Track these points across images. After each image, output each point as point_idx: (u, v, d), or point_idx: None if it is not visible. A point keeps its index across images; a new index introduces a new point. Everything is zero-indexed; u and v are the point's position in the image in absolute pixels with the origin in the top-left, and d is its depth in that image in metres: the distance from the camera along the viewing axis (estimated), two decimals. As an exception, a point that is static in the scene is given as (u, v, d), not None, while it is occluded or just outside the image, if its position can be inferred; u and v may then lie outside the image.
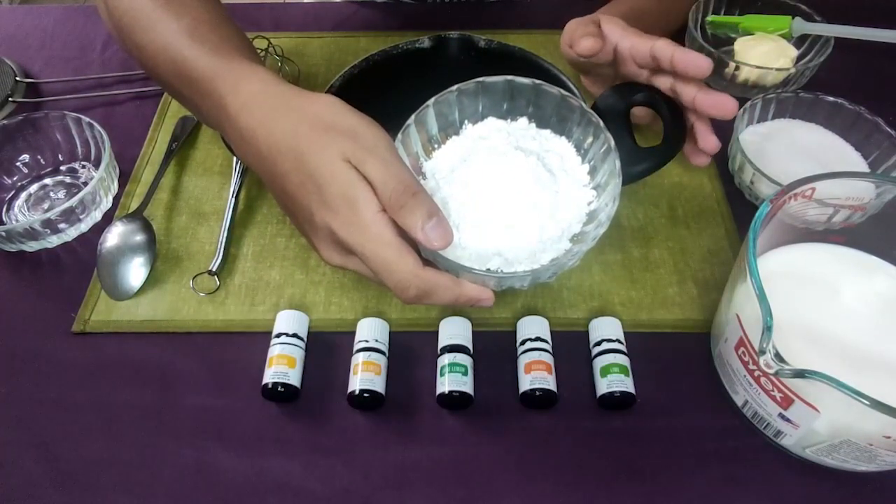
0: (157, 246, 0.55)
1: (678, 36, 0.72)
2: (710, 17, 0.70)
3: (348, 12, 0.78)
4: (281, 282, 0.54)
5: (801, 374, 0.36)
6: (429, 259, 0.42)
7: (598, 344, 0.48)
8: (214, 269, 0.54)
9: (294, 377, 0.47)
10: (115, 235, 0.55)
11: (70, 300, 0.53)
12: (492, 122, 0.48)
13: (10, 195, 0.60)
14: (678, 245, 0.56)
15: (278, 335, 0.48)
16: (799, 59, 0.68)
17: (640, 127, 0.54)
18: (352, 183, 0.39)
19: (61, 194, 0.60)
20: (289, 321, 0.49)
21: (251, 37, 0.72)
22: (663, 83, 0.50)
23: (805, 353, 0.42)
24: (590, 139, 0.47)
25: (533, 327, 0.49)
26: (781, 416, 0.42)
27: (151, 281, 0.54)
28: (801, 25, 0.67)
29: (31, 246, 0.56)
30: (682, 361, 0.49)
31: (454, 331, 0.48)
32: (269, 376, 0.46)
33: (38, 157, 0.61)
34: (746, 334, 0.42)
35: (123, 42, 0.52)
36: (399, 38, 0.61)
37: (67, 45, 0.74)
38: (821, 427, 0.40)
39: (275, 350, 0.48)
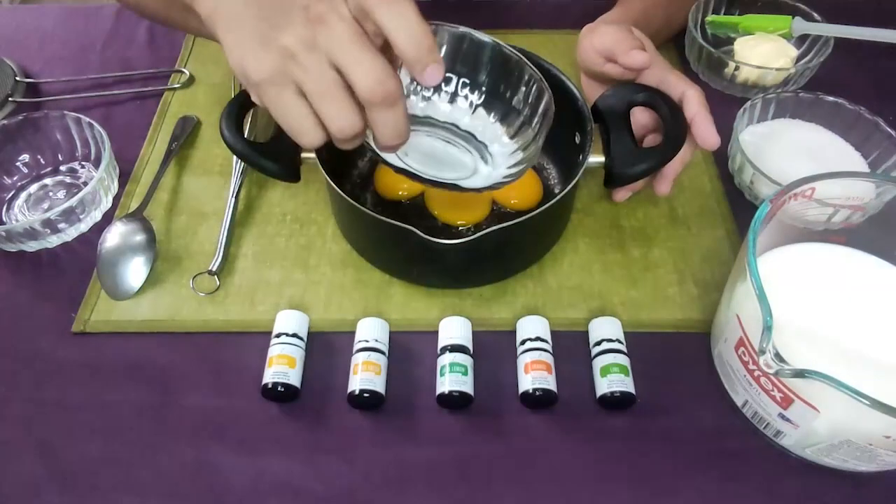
0: (157, 246, 0.55)
1: (678, 36, 0.72)
2: (710, 17, 0.70)
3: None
4: (281, 282, 0.54)
5: (801, 374, 0.36)
6: None
7: (598, 344, 0.48)
8: (214, 269, 0.54)
9: (294, 377, 0.47)
10: (115, 235, 0.55)
11: (70, 300, 0.53)
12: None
13: (10, 195, 0.60)
14: (678, 245, 0.56)
15: (278, 335, 0.48)
16: (799, 59, 0.68)
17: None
18: None
19: (61, 194, 0.60)
20: (289, 321, 0.49)
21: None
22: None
23: (805, 353, 0.42)
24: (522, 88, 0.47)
25: (533, 327, 0.49)
26: (781, 416, 0.42)
27: (151, 281, 0.54)
28: (801, 25, 0.67)
29: (31, 246, 0.56)
30: (682, 361, 0.50)
31: (454, 331, 0.48)
32: (269, 376, 0.46)
33: (38, 157, 0.61)
34: (746, 334, 0.42)
35: None
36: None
37: (67, 45, 0.74)
38: (821, 427, 0.40)
39: (275, 350, 0.48)
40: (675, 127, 0.50)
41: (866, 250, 0.48)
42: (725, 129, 0.61)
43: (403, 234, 0.45)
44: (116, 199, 0.59)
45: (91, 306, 0.52)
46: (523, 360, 0.47)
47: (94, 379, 0.49)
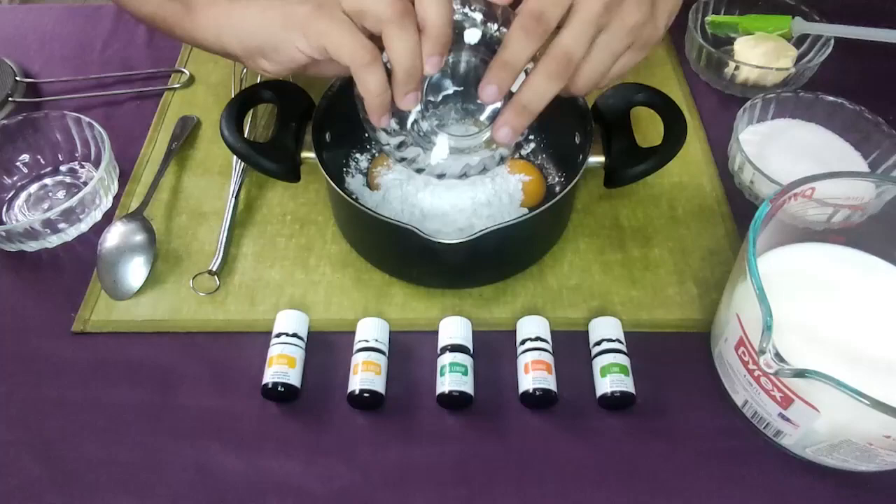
0: (157, 246, 0.55)
1: (678, 35, 0.72)
2: (710, 17, 0.70)
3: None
4: (281, 282, 0.54)
5: (801, 373, 0.36)
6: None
7: (598, 344, 0.48)
8: (214, 269, 0.54)
9: (294, 377, 0.47)
10: (115, 235, 0.55)
11: (70, 300, 0.53)
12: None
13: (10, 195, 0.60)
14: (678, 245, 0.56)
15: (278, 335, 0.48)
16: (799, 59, 0.68)
17: (640, 127, 0.54)
18: None
19: (61, 194, 0.60)
20: (289, 321, 0.49)
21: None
22: None
23: (805, 353, 0.42)
24: None
25: (533, 327, 0.49)
26: (781, 416, 0.42)
27: (151, 281, 0.54)
28: (801, 25, 0.67)
29: (31, 246, 0.56)
30: (682, 361, 0.50)
31: (454, 331, 0.48)
32: (269, 376, 0.46)
33: (38, 157, 0.61)
34: (746, 334, 0.42)
35: None
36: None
37: (67, 45, 0.74)
38: (821, 427, 0.40)
39: (275, 350, 0.48)
40: (675, 127, 0.50)
41: (866, 250, 0.48)
42: (725, 129, 0.61)
43: (403, 234, 0.45)
44: (116, 199, 0.59)
45: (91, 306, 0.52)
46: (523, 360, 0.47)
47: (94, 379, 0.49)
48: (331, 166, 0.51)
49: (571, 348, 0.49)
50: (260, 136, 0.63)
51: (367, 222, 0.50)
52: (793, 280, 0.47)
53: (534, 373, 0.46)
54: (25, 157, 0.61)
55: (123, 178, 0.61)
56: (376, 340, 0.48)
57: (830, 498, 0.43)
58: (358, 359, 0.47)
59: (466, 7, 0.43)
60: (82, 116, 0.60)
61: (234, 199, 0.58)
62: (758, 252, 0.42)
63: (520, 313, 0.51)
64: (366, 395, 0.46)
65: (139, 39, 0.75)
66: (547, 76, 0.40)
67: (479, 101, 0.43)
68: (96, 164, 0.60)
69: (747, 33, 0.69)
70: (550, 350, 0.48)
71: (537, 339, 0.48)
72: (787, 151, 0.59)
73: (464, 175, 0.46)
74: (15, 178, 0.61)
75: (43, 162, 0.62)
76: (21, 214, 0.59)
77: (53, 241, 0.56)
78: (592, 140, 0.50)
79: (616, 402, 0.46)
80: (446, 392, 0.46)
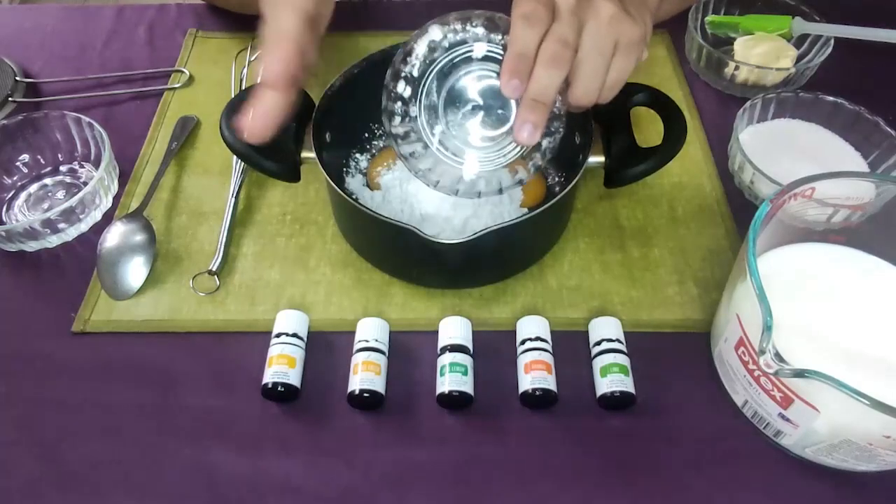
0: (157, 246, 0.55)
1: (678, 35, 0.72)
2: (710, 17, 0.70)
3: (347, 12, 0.78)
4: (281, 282, 0.54)
5: (801, 373, 0.36)
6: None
7: (598, 344, 0.48)
8: (214, 269, 0.54)
9: (294, 377, 0.47)
10: (115, 235, 0.55)
11: (70, 300, 0.53)
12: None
13: (10, 195, 0.60)
14: (678, 245, 0.56)
15: (278, 335, 0.48)
16: (799, 59, 0.68)
17: (640, 127, 0.54)
18: None
19: (61, 194, 0.60)
20: (289, 321, 0.49)
21: (250, 40, 0.72)
22: None
23: (805, 353, 0.42)
24: None
25: (533, 327, 0.49)
26: (781, 416, 0.42)
27: (151, 281, 0.54)
28: (801, 25, 0.67)
29: (31, 246, 0.56)
30: (682, 361, 0.50)
31: (454, 331, 0.48)
32: (269, 376, 0.46)
33: (38, 157, 0.61)
34: (746, 334, 0.42)
35: None
36: (399, 38, 0.61)
37: (67, 45, 0.74)
38: (821, 427, 0.40)
39: (275, 350, 0.48)
40: (675, 127, 0.50)
41: (866, 250, 0.48)
42: (725, 129, 0.61)
43: (403, 234, 0.45)
44: (116, 199, 0.59)
45: (91, 306, 0.52)
46: (523, 360, 0.47)
47: (94, 379, 0.49)
48: (331, 166, 0.51)
49: (571, 348, 0.49)
50: (260, 136, 0.63)
51: (367, 222, 0.50)
52: (793, 280, 0.47)
53: (533, 373, 0.46)
54: (25, 157, 0.61)
55: (123, 178, 0.61)
56: (376, 340, 0.48)
57: (830, 498, 0.44)
58: (358, 359, 0.47)
59: (468, 24, 0.43)
60: (82, 116, 0.60)
61: (234, 199, 0.58)
62: (758, 252, 0.42)
63: (520, 313, 0.51)
64: (366, 395, 0.46)
65: (139, 39, 0.75)
66: (547, 64, 0.40)
67: (499, 111, 0.44)
68: (96, 164, 0.60)
69: (747, 33, 0.69)
70: (550, 350, 0.48)
71: (537, 339, 0.48)
72: (786, 151, 0.59)
73: (478, 194, 0.46)
74: (15, 178, 0.61)
75: (43, 162, 0.62)
76: (21, 214, 0.59)
77: (53, 241, 0.56)
78: (592, 140, 0.50)
79: (616, 402, 0.46)
80: (446, 392, 0.46)
